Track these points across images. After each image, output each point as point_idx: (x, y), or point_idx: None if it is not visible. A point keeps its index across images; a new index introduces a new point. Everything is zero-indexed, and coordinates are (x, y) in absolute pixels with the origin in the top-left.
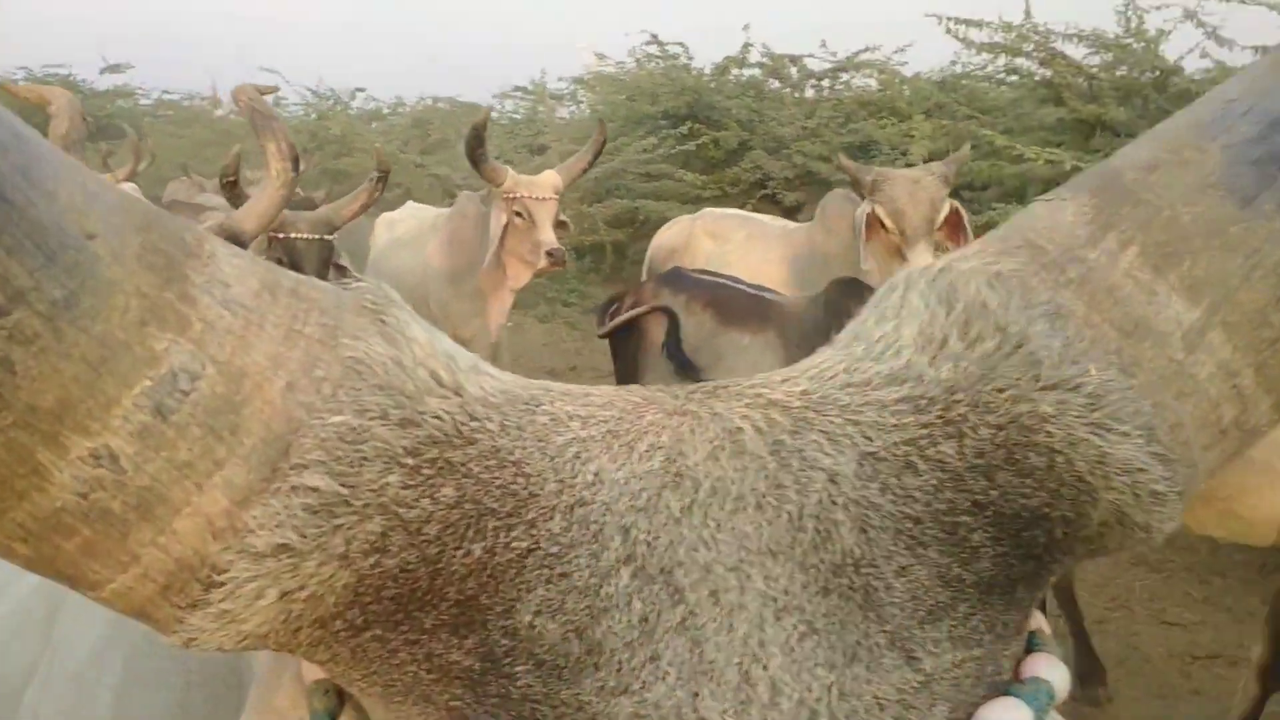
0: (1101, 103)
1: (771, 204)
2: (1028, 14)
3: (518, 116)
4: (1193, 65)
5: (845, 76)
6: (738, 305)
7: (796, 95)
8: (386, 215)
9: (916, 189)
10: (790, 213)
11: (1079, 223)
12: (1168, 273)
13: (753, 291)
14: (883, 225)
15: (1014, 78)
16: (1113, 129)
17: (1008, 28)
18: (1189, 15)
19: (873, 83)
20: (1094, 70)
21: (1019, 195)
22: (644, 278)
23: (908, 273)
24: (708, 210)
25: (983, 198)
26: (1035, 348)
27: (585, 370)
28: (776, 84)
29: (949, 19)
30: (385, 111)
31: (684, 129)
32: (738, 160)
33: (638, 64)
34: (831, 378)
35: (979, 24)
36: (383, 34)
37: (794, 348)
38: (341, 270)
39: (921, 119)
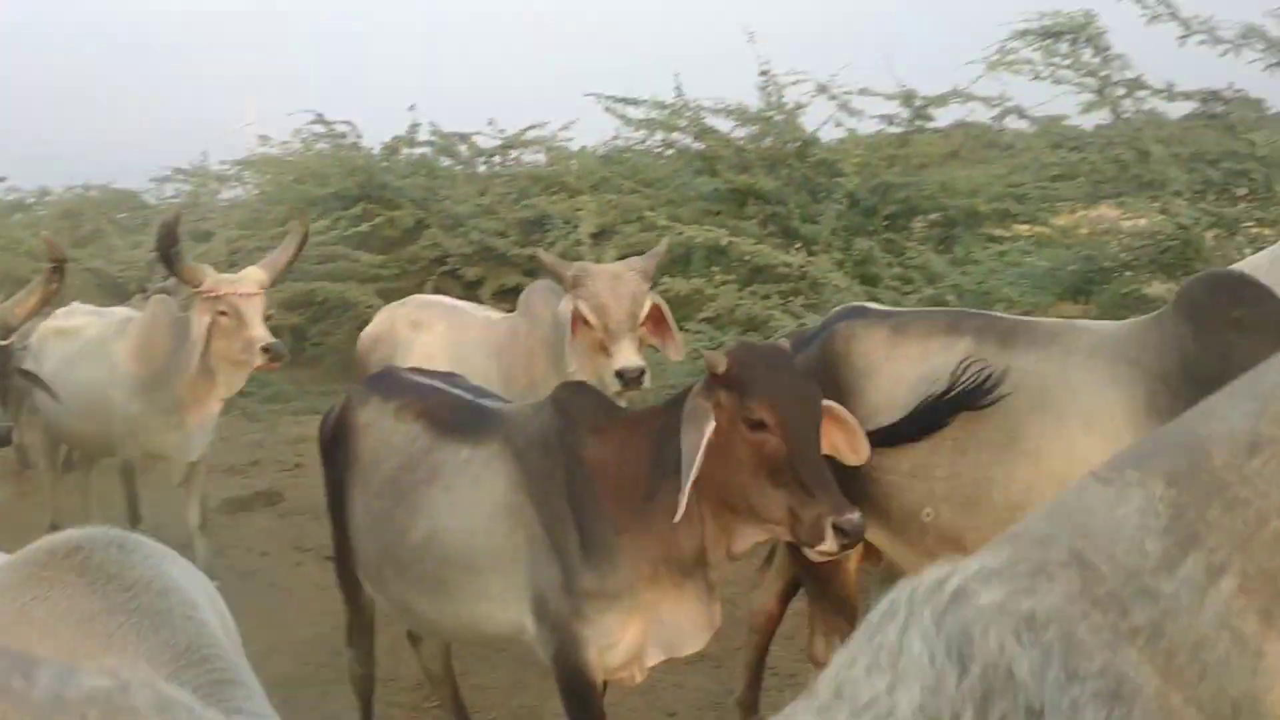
0: (752, 173)
1: (452, 280)
2: (679, 91)
3: (178, 200)
4: (828, 134)
5: (515, 153)
6: (456, 414)
7: (469, 172)
8: (51, 323)
9: (618, 284)
10: (472, 287)
11: (1149, 529)
12: None
13: (472, 398)
14: (585, 321)
15: (671, 151)
16: (764, 197)
17: (661, 105)
18: (822, 89)
19: (542, 158)
20: (742, 142)
21: (683, 264)
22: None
23: (910, 591)
24: (414, 297)
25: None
26: None
27: (269, 464)
28: (448, 161)
29: (607, 97)
30: (30, 201)
31: (358, 210)
32: (415, 238)
33: (304, 144)
34: None
35: (635, 102)
36: (18, 117)
37: (523, 459)
38: (29, 377)
39: (589, 194)
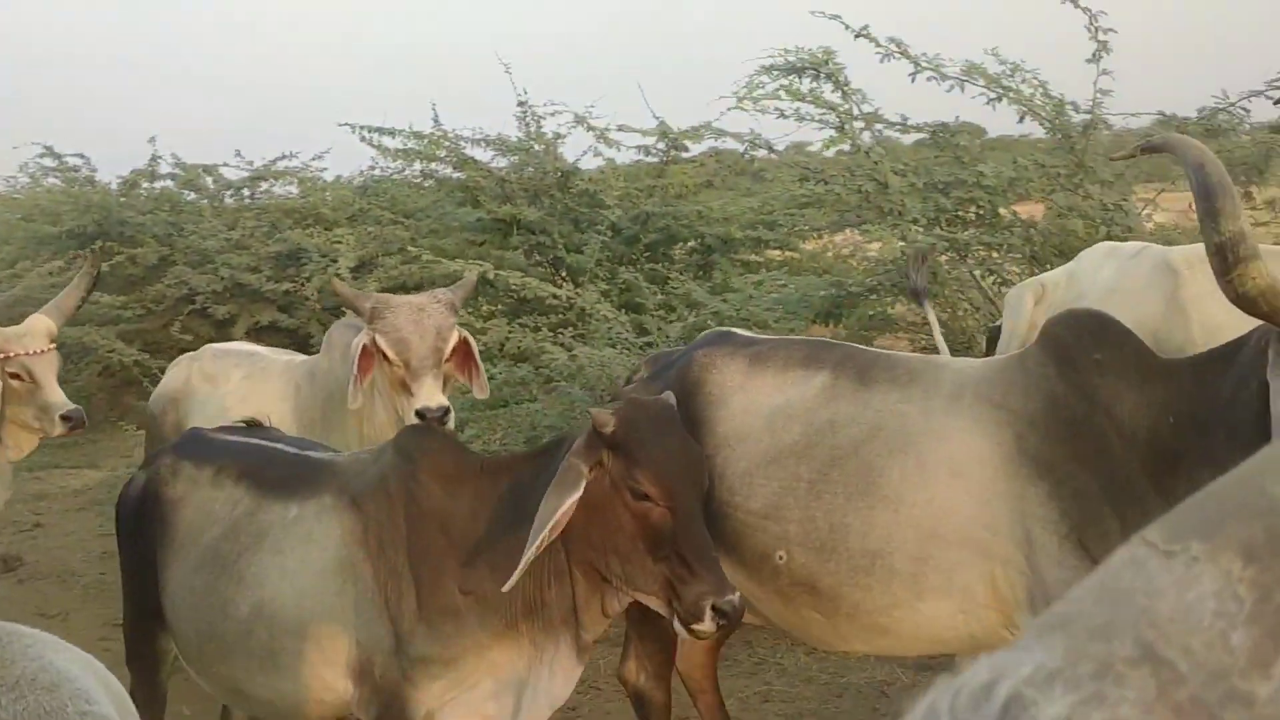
0: (514, 203)
1: (202, 318)
2: (436, 122)
3: None
4: (588, 164)
5: (265, 185)
6: (281, 469)
7: (216, 205)
8: None
9: (421, 317)
10: (222, 326)
11: (1231, 616)
12: None
13: (297, 451)
14: (385, 356)
15: (430, 182)
16: (528, 228)
17: (418, 135)
18: (579, 120)
19: (294, 190)
20: (504, 172)
21: None
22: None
23: (953, 698)
24: (209, 348)
25: None
26: None
27: (4, 525)
28: (194, 195)
29: (361, 127)
30: None
31: (95, 248)
32: (160, 276)
33: (32, 179)
34: None
35: (391, 132)
36: None
37: (359, 509)
38: None
39: (346, 226)
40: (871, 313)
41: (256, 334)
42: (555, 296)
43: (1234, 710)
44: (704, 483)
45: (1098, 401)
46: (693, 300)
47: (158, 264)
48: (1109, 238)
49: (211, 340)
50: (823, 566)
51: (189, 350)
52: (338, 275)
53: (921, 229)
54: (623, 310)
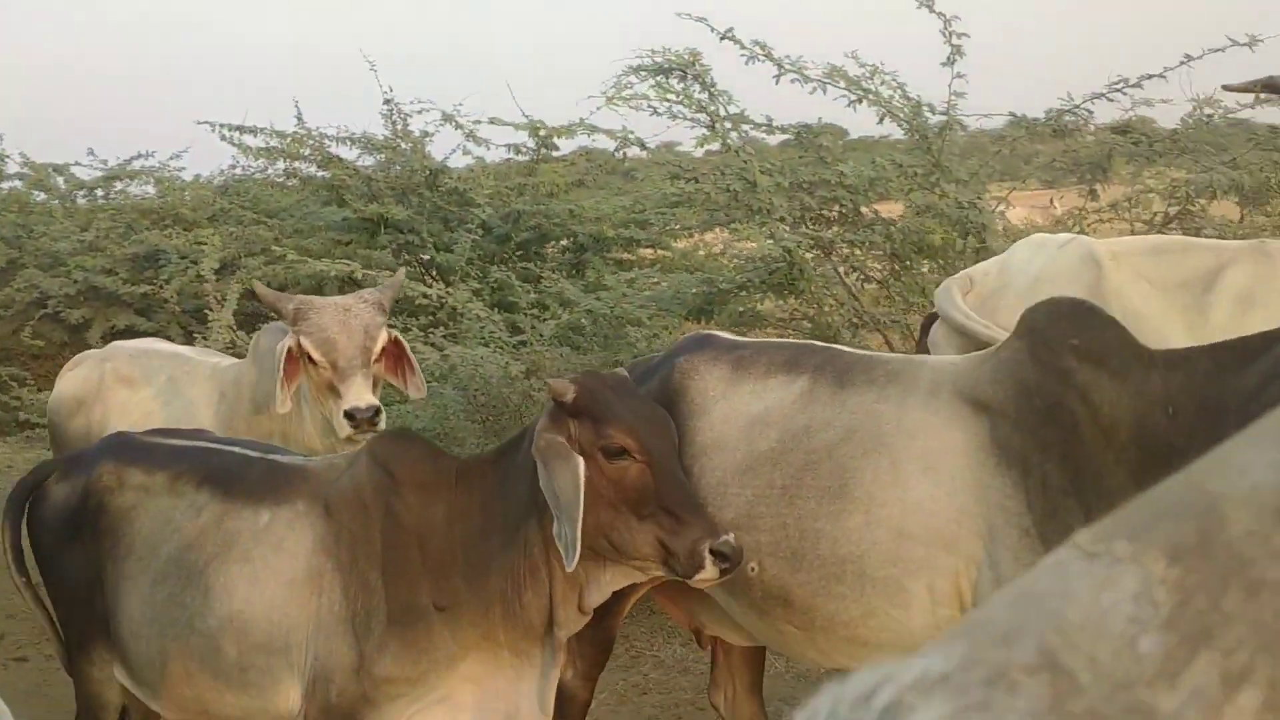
0: (381, 202)
1: (55, 323)
2: (300, 119)
3: None
4: (457, 162)
5: (120, 185)
6: (248, 473)
7: (68, 206)
8: None
9: (348, 316)
10: (77, 331)
11: (1144, 623)
12: None
13: (257, 454)
14: (310, 359)
15: (295, 181)
16: (396, 227)
17: (281, 134)
18: (448, 118)
19: (151, 190)
20: (370, 171)
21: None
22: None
23: (833, 703)
24: (120, 346)
25: None
26: None
27: None
28: (43, 196)
29: (222, 126)
30: None
31: None
32: (9, 280)
33: None
34: None
35: (253, 130)
36: None
37: (333, 519)
38: None
39: (208, 226)
40: (742, 309)
41: (113, 338)
42: (426, 296)
43: None
44: (674, 437)
45: (1072, 387)
46: (566, 298)
47: (6, 267)
48: (964, 235)
49: (65, 346)
50: (794, 577)
51: (41, 357)
52: (199, 276)
53: (788, 227)
54: (495, 309)
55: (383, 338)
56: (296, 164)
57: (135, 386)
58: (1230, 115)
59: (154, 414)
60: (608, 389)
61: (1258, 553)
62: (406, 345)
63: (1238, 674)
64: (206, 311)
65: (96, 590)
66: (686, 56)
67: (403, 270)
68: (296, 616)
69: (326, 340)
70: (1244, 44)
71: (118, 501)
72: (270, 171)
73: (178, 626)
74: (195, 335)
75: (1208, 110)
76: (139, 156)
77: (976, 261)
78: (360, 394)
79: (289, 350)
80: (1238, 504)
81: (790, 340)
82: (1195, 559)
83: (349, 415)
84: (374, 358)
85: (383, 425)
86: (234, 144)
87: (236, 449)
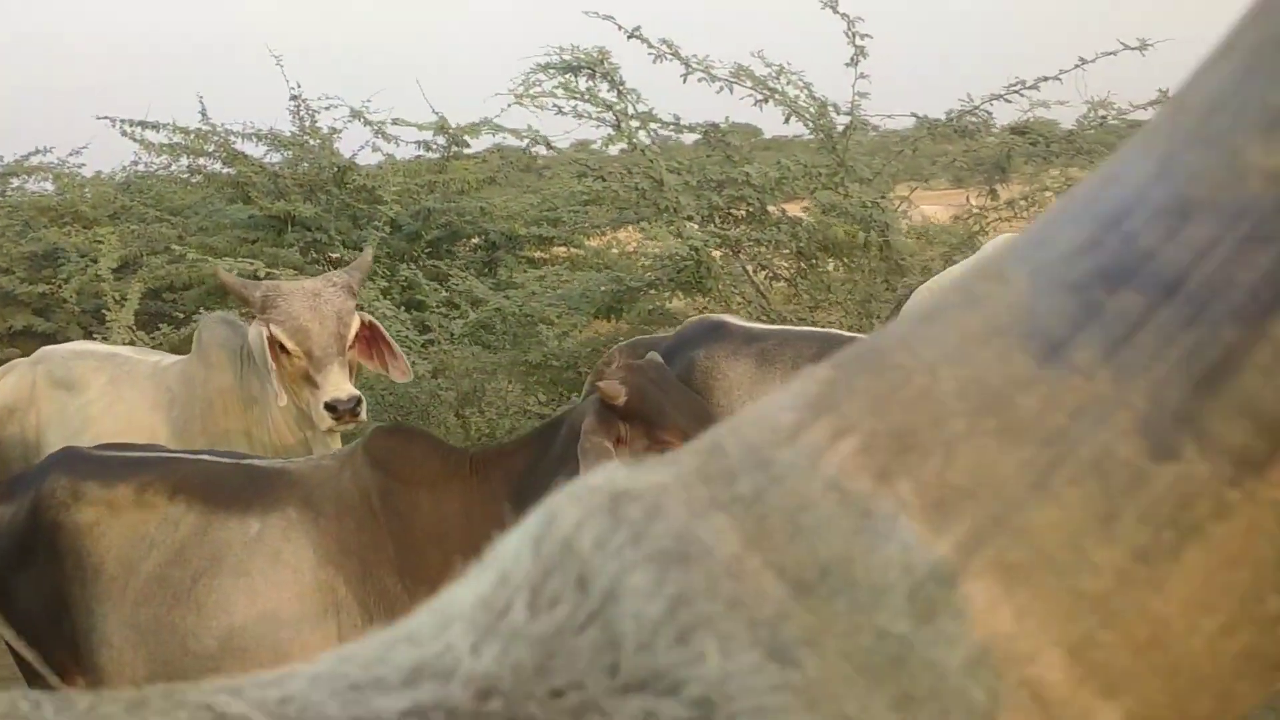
0: (289, 199)
1: None
2: (204, 115)
3: None
4: (366, 159)
5: (17, 181)
6: (225, 480)
7: None
8: None
9: (318, 302)
10: None
11: (788, 407)
12: (898, 480)
13: (234, 460)
14: (283, 348)
15: (199, 178)
16: (304, 224)
17: (184, 130)
18: (356, 114)
19: (49, 186)
20: (277, 168)
21: (219, 296)
22: None
23: (571, 488)
24: (48, 350)
25: (186, 298)
26: (617, 616)
27: None
28: None
29: (123, 121)
30: None
31: None
32: None
33: None
34: (343, 674)
35: (155, 126)
36: None
37: (334, 525)
38: None
39: (108, 224)
40: (650, 307)
41: (10, 340)
42: None
43: (753, 472)
44: (714, 421)
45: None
46: (475, 297)
47: None
48: (868, 232)
49: None
50: None
51: None
52: (98, 275)
53: (696, 225)
54: (403, 308)
55: (355, 323)
56: (201, 160)
57: (73, 390)
58: (1124, 116)
59: (95, 419)
60: (655, 387)
61: (893, 347)
62: (382, 328)
63: (844, 429)
64: (105, 312)
65: (63, 614)
66: (595, 55)
67: (369, 249)
68: (309, 636)
69: (299, 329)
70: (1135, 48)
71: (75, 518)
72: (174, 168)
73: (170, 648)
74: (95, 335)
75: (1101, 112)
76: (36, 152)
77: (881, 259)
78: (339, 384)
79: (266, 340)
80: (905, 319)
81: (813, 330)
82: (851, 362)
83: (330, 407)
84: (348, 344)
85: (364, 415)
86: (135, 139)
87: (205, 456)
